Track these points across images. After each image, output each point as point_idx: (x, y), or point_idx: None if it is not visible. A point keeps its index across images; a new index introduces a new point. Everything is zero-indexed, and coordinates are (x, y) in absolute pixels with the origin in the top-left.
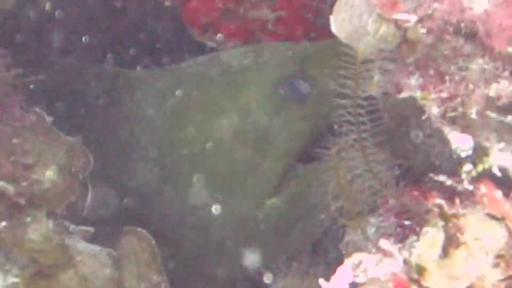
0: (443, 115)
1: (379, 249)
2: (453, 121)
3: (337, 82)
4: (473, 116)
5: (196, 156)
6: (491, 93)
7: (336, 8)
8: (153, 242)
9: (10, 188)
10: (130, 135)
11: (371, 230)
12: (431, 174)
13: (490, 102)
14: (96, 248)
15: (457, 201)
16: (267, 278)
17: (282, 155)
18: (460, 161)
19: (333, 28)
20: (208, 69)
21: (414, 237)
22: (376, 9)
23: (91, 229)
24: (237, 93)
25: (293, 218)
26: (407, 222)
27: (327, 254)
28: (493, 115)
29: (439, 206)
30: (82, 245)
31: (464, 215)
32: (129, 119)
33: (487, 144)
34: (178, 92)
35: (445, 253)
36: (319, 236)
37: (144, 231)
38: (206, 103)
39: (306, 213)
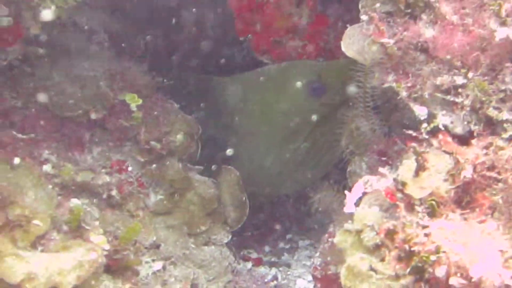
0: (409, 96)
1: (378, 173)
2: (415, 99)
3: (354, 78)
4: (426, 96)
5: (263, 125)
6: (437, 83)
7: (344, 37)
8: (238, 173)
9: (158, 145)
10: (223, 113)
11: (364, 163)
12: (404, 130)
13: (436, 88)
14: (205, 178)
15: (424, 144)
16: None
17: (309, 123)
18: (420, 122)
19: (343, 48)
20: (267, 75)
21: (388, 167)
22: (370, 36)
23: (201, 167)
24: (283, 91)
25: (319, 154)
26: (383, 158)
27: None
28: (438, 95)
29: (413, 147)
30: (197, 177)
31: (428, 152)
32: (222, 106)
33: (435, 112)
34: (252, 88)
35: (416, 174)
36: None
37: (232, 168)
38: (267, 96)
39: (327, 152)
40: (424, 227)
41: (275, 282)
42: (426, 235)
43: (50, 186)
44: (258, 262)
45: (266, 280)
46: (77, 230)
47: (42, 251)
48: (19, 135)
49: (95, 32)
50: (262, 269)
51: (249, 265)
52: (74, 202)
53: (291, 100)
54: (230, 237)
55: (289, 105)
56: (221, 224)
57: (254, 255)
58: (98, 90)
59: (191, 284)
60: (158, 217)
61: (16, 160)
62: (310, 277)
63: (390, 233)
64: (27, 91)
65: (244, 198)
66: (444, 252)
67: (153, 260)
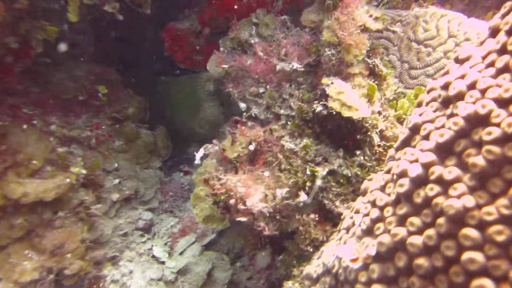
0: (237, 97)
1: (212, 143)
2: (241, 99)
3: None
4: (247, 97)
5: (188, 106)
6: (251, 90)
7: (209, 60)
8: (165, 130)
9: (117, 115)
10: (166, 101)
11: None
12: (235, 117)
13: (251, 93)
14: (149, 131)
15: (237, 129)
16: None
17: (210, 102)
18: (242, 112)
19: (207, 66)
20: (186, 81)
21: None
22: (217, 63)
23: (147, 126)
24: (195, 91)
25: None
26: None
27: None
28: (252, 98)
29: (230, 131)
30: (144, 131)
31: (236, 134)
32: (164, 94)
33: (250, 106)
34: (179, 86)
35: (232, 144)
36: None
37: (162, 126)
38: (186, 91)
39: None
40: (220, 179)
41: (188, 186)
42: (221, 184)
43: (51, 139)
44: (186, 173)
45: (182, 186)
46: (64, 165)
47: (39, 178)
48: (27, 111)
49: (86, 49)
50: (188, 177)
51: (182, 174)
52: (60, 149)
53: (198, 95)
54: (161, 164)
55: (199, 98)
56: (157, 157)
57: (186, 169)
58: (84, 83)
59: (135, 190)
60: (120, 154)
61: (24, 126)
62: None
63: (206, 180)
64: (42, 83)
65: (169, 143)
66: (232, 192)
67: (114, 178)
